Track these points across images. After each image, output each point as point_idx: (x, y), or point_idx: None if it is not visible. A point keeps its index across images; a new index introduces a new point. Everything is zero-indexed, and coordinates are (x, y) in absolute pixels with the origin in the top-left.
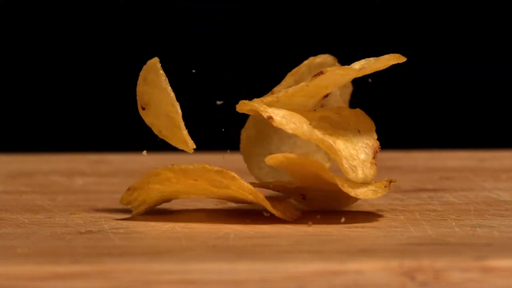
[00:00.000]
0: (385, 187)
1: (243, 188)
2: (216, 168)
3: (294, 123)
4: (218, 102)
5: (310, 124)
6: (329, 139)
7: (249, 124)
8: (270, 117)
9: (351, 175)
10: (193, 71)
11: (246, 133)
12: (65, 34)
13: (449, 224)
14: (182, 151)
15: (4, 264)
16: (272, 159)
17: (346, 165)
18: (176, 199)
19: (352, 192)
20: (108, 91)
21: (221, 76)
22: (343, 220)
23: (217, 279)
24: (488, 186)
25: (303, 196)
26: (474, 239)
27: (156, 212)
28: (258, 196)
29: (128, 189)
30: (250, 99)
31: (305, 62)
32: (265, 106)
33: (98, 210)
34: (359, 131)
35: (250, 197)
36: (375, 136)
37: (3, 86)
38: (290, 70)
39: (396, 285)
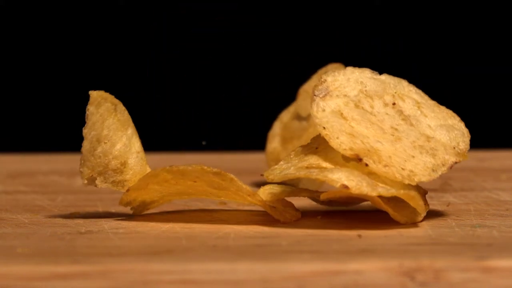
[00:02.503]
0: (424, 205)
1: (242, 189)
2: (214, 170)
3: (364, 180)
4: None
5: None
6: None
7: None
8: (345, 187)
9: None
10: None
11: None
12: (65, 34)
13: (449, 224)
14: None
15: (4, 264)
16: (328, 194)
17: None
18: (176, 199)
19: (403, 220)
20: (107, 91)
21: (221, 76)
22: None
23: (217, 279)
24: (488, 186)
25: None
26: (474, 239)
27: (156, 212)
28: (257, 198)
29: (127, 190)
30: (250, 100)
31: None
32: (323, 173)
33: (98, 210)
34: None
35: (248, 199)
36: None
37: (3, 86)
38: (290, 70)
39: (396, 285)
